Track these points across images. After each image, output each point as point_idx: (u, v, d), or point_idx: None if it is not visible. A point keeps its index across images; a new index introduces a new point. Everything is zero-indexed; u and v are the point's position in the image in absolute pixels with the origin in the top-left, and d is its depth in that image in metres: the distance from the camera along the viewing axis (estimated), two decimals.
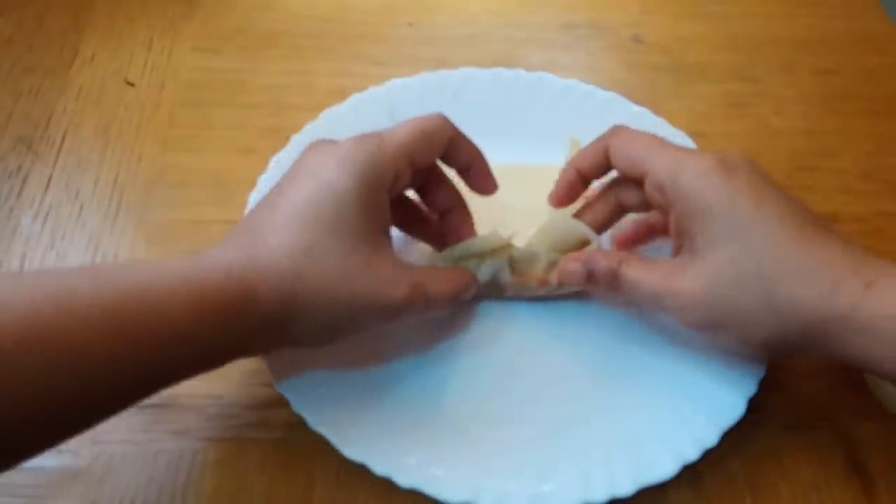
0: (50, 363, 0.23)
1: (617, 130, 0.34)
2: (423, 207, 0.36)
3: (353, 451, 0.31)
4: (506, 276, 0.35)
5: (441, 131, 0.32)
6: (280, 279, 0.28)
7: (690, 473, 0.32)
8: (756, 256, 0.29)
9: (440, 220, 0.36)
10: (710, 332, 0.31)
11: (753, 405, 0.33)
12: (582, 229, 0.35)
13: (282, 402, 0.32)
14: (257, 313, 0.28)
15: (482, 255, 0.35)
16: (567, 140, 0.39)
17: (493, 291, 0.36)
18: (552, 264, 0.35)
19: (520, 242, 0.36)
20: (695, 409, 0.33)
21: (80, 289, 0.24)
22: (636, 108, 0.44)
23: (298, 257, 0.28)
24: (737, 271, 0.29)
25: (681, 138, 0.42)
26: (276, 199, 0.30)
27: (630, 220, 0.36)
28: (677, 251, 0.32)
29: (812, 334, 0.29)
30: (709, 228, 0.30)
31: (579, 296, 0.36)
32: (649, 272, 0.31)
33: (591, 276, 0.33)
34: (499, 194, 0.36)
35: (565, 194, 0.35)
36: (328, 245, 0.28)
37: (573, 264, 0.33)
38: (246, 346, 0.29)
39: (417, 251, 0.38)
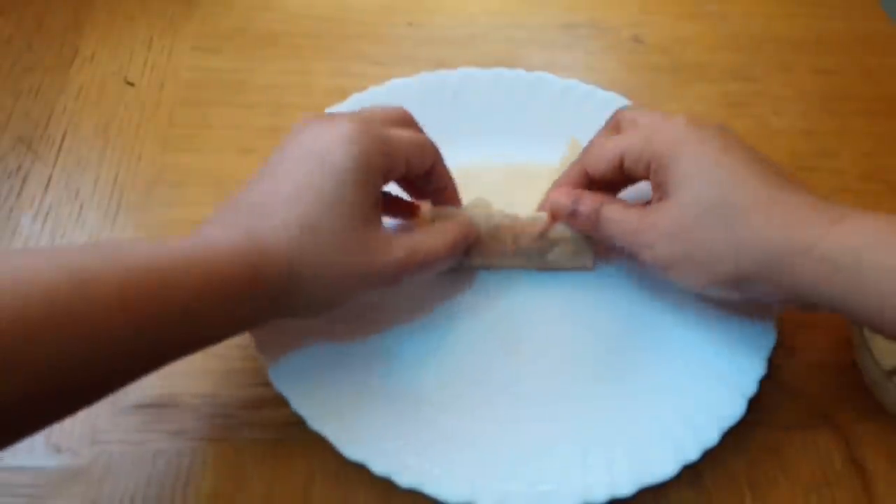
0: (70, 340, 0.24)
1: (586, 150, 0.36)
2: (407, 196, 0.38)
3: (352, 450, 0.31)
4: (502, 220, 0.36)
5: (433, 149, 0.34)
6: (283, 257, 0.29)
7: (690, 473, 0.32)
8: (721, 191, 0.30)
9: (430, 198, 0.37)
10: (677, 268, 0.32)
11: (753, 405, 0.33)
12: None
13: (281, 402, 0.32)
14: (260, 291, 0.29)
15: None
16: (567, 139, 0.39)
17: (490, 247, 0.36)
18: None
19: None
20: (695, 408, 0.33)
21: (92, 267, 0.25)
22: None
23: (301, 236, 0.29)
24: (702, 206, 0.30)
25: None
26: (275, 175, 0.30)
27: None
28: (653, 198, 0.33)
29: (774, 267, 0.29)
30: (677, 171, 0.31)
31: (573, 265, 0.37)
32: (626, 213, 0.33)
33: (574, 213, 0.35)
34: (500, 193, 0.36)
35: (567, 186, 0.36)
36: (329, 222, 0.29)
37: (563, 198, 0.35)
38: (248, 320, 0.30)
39: None
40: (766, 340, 0.35)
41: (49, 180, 0.42)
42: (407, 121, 0.35)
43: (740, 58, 0.50)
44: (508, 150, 0.42)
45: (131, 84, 0.46)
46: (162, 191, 0.41)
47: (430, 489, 0.30)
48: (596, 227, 0.34)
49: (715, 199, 0.30)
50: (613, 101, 0.44)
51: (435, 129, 0.43)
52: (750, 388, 0.33)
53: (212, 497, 0.32)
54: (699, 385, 0.34)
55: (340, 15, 0.51)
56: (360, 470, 0.31)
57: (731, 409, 0.33)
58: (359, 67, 0.48)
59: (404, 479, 0.30)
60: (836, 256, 0.28)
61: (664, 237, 0.31)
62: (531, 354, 0.35)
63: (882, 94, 0.49)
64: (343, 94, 0.43)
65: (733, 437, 0.32)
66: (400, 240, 0.32)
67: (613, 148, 0.34)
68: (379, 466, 0.31)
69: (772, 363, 0.34)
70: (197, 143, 0.43)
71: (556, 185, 0.37)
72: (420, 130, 0.35)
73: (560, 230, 0.36)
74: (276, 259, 0.29)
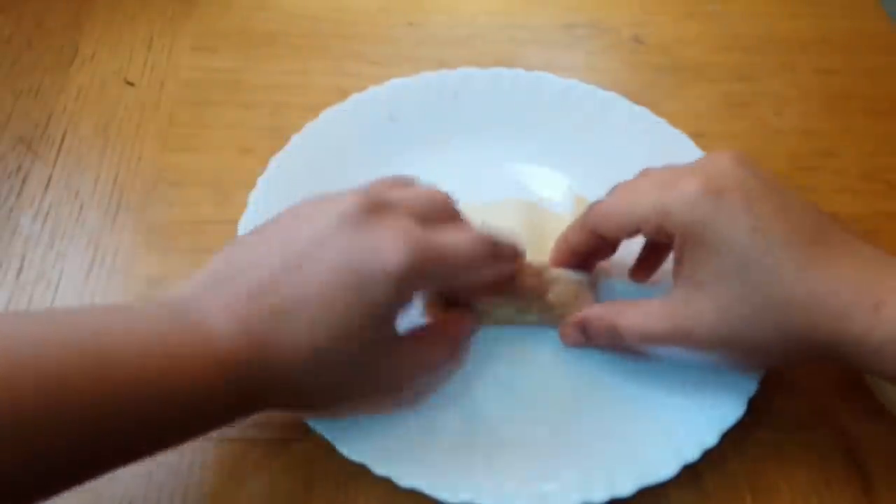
0: (37, 447, 0.23)
1: (591, 209, 0.33)
2: None
3: (352, 451, 0.31)
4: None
5: (486, 257, 0.30)
6: (287, 377, 0.27)
7: (690, 473, 0.32)
8: (764, 291, 0.28)
9: None
10: (723, 362, 0.31)
11: (754, 405, 0.33)
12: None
13: None
14: (258, 405, 0.28)
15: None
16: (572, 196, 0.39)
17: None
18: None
19: None
20: (695, 409, 0.33)
21: (70, 384, 0.23)
22: (636, 108, 0.44)
23: (314, 361, 0.27)
24: (747, 308, 0.28)
25: (681, 138, 0.42)
26: (301, 269, 0.27)
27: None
28: (676, 275, 0.31)
29: (828, 355, 0.29)
30: (708, 263, 0.29)
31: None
32: (649, 317, 0.31)
33: (589, 338, 0.33)
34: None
35: (559, 260, 0.35)
36: (349, 356, 0.27)
37: (569, 329, 0.34)
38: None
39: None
40: None
41: (49, 180, 0.41)
42: (452, 214, 0.31)
43: (741, 58, 0.50)
44: (509, 150, 0.42)
45: (131, 84, 0.46)
46: (162, 190, 0.41)
47: (430, 489, 0.30)
48: (619, 341, 0.32)
49: (758, 301, 0.28)
50: (613, 101, 0.44)
51: (434, 129, 0.43)
52: (750, 388, 0.33)
53: (212, 498, 0.32)
54: (699, 385, 0.34)
55: (340, 15, 0.51)
56: (361, 471, 0.31)
57: (731, 409, 0.33)
58: (358, 67, 0.48)
59: (405, 480, 0.30)
60: (888, 351, 0.27)
61: (708, 342, 0.29)
62: (531, 354, 0.35)
63: (884, 94, 0.49)
64: (342, 94, 0.43)
65: (733, 437, 0.32)
66: (407, 376, 0.30)
67: (628, 216, 0.31)
68: (379, 467, 0.31)
69: None
70: (197, 143, 0.43)
71: (559, 248, 0.35)
72: (463, 221, 0.31)
73: (558, 272, 0.35)
74: (278, 376, 0.27)
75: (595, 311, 0.33)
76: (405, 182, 0.32)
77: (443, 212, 0.30)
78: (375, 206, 0.28)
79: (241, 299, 0.27)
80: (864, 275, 0.28)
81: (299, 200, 0.30)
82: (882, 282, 0.28)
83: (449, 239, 0.28)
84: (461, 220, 0.31)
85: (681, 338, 0.30)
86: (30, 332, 0.24)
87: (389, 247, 0.27)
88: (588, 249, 0.34)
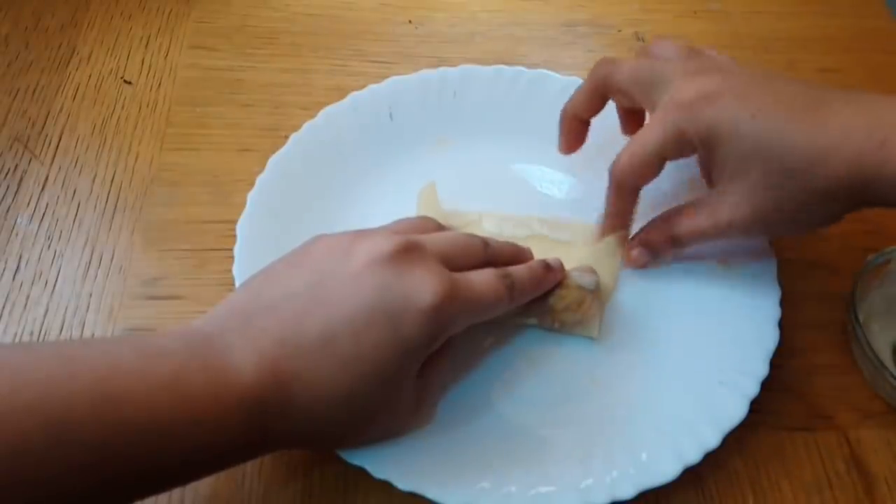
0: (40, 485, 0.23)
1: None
2: None
3: (352, 454, 0.31)
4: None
5: (506, 297, 0.32)
6: (315, 418, 0.27)
7: (692, 475, 0.32)
8: (782, 163, 0.31)
9: None
10: (769, 232, 0.36)
11: (755, 405, 0.33)
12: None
13: None
14: (280, 442, 0.28)
15: None
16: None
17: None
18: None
19: None
20: (696, 410, 0.33)
21: (75, 417, 0.23)
22: None
23: (339, 398, 0.27)
24: (773, 183, 0.31)
25: None
26: (333, 305, 0.27)
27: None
28: (708, 179, 0.35)
29: (854, 200, 0.31)
30: (727, 159, 0.32)
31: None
32: (695, 219, 0.34)
33: (654, 253, 0.36)
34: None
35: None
36: (375, 398, 0.28)
37: (636, 251, 0.37)
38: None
39: None
40: (768, 342, 0.35)
41: (46, 180, 0.41)
42: (476, 256, 0.32)
43: (744, 56, 0.50)
44: (509, 149, 0.42)
45: (129, 83, 0.46)
46: (159, 190, 0.41)
47: (429, 492, 0.30)
48: (681, 248, 0.36)
49: (780, 177, 0.31)
50: None
51: (435, 127, 0.43)
52: (752, 389, 0.33)
53: (210, 501, 0.31)
54: (701, 386, 0.33)
55: (340, 13, 0.51)
56: (360, 474, 0.31)
57: (732, 410, 0.32)
58: (358, 66, 0.47)
59: (404, 483, 0.30)
60: None
61: (748, 227, 0.33)
62: (531, 357, 0.35)
63: (887, 92, 0.48)
64: (342, 93, 0.43)
65: (735, 439, 0.32)
66: (429, 400, 0.32)
67: (652, 154, 0.34)
68: (378, 470, 0.30)
69: (774, 364, 0.34)
70: (195, 143, 0.43)
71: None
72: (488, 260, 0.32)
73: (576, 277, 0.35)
74: (302, 413, 0.26)
75: (652, 230, 0.36)
76: (427, 225, 0.34)
77: (467, 255, 0.31)
78: (408, 248, 0.29)
79: (268, 335, 0.26)
80: (867, 118, 0.30)
81: (322, 235, 0.30)
82: (882, 119, 0.30)
83: (475, 283, 0.30)
84: (482, 262, 0.32)
85: (724, 228, 0.33)
86: (38, 369, 0.23)
87: (423, 288, 0.27)
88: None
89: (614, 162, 0.35)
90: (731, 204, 0.33)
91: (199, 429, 0.25)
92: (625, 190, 0.35)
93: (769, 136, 0.31)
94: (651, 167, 0.34)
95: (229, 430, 0.25)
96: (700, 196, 0.35)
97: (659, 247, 0.36)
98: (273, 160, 0.40)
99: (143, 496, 0.25)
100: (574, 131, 0.39)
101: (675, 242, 0.35)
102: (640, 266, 0.37)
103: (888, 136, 0.29)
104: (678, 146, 0.33)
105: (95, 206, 0.40)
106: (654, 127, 0.33)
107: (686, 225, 0.35)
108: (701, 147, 0.32)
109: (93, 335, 0.36)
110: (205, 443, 0.25)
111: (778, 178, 0.31)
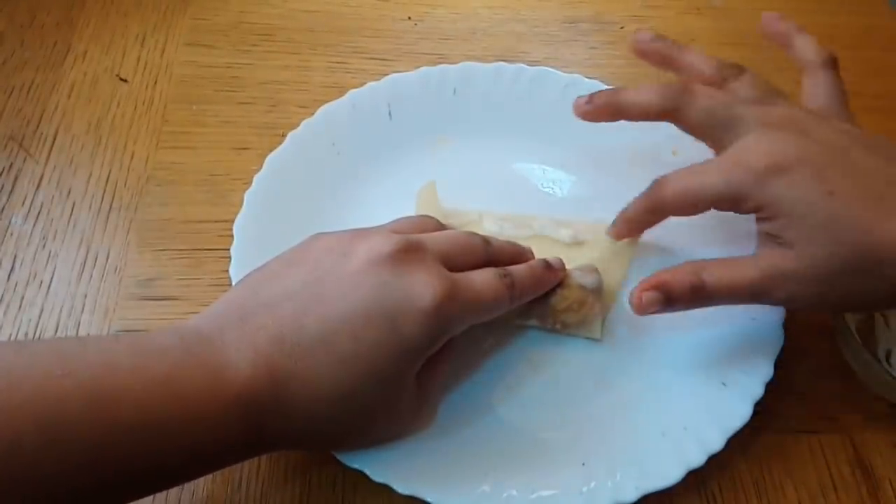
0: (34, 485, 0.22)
1: (656, 188, 0.33)
2: None
3: (350, 457, 0.30)
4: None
5: (508, 298, 0.31)
6: (313, 417, 0.27)
7: (696, 479, 0.31)
8: (852, 245, 0.29)
9: None
10: (809, 309, 0.34)
11: (759, 408, 0.33)
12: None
13: None
14: (278, 442, 0.28)
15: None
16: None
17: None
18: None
19: None
20: (700, 413, 0.32)
21: (71, 419, 0.23)
22: None
23: (337, 396, 0.27)
24: (840, 262, 0.29)
25: (684, 133, 0.42)
26: (332, 305, 0.27)
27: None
28: (761, 237, 0.32)
29: None
30: (790, 227, 0.30)
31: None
32: (736, 269, 0.31)
33: (669, 300, 0.31)
34: None
35: (625, 236, 0.37)
36: (373, 398, 0.27)
37: (648, 293, 0.31)
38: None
39: None
40: (773, 344, 0.34)
41: (41, 179, 0.41)
42: (476, 256, 0.31)
43: (746, 53, 0.49)
44: (509, 147, 0.42)
45: (124, 81, 0.45)
46: (155, 189, 0.41)
47: (429, 496, 0.30)
48: (704, 300, 0.31)
49: (850, 255, 0.29)
50: None
51: (435, 125, 0.42)
52: (756, 392, 0.33)
53: (206, 502, 0.31)
54: (704, 388, 0.33)
55: (338, 9, 0.50)
56: (358, 476, 0.30)
57: (737, 413, 0.32)
58: (357, 63, 0.47)
59: (403, 486, 0.30)
60: None
61: (807, 291, 0.30)
62: (532, 359, 0.35)
63: (890, 91, 0.48)
64: (341, 91, 0.42)
65: (740, 441, 0.32)
66: (423, 405, 0.31)
67: (701, 197, 0.32)
68: (377, 474, 0.30)
69: (778, 367, 0.34)
70: (191, 141, 0.43)
71: (621, 226, 0.36)
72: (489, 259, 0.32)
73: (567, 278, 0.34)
74: (300, 412, 0.26)
75: (676, 273, 0.32)
76: (427, 224, 0.33)
77: (467, 255, 0.31)
78: (408, 248, 0.28)
79: (266, 333, 0.26)
80: None
81: (321, 233, 0.30)
82: None
83: (476, 283, 0.29)
84: (482, 261, 0.31)
85: (769, 286, 0.30)
86: (32, 367, 0.23)
87: (423, 288, 0.27)
88: (649, 225, 0.35)
89: (665, 179, 0.33)
90: (787, 267, 0.30)
91: (195, 427, 0.25)
92: (660, 212, 0.34)
93: (844, 218, 0.29)
94: (698, 209, 0.32)
95: (226, 429, 0.25)
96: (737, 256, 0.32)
97: (677, 292, 0.31)
98: (271, 159, 0.39)
99: (139, 495, 0.25)
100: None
101: (700, 291, 0.31)
102: (645, 313, 0.32)
103: None
104: (734, 205, 0.31)
105: (90, 206, 0.40)
106: (718, 176, 0.31)
107: (719, 272, 0.31)
108: (761, 211, 0.31)
109: (88, 335, 0.35)
110: (201, 441, 0.25)
111: (845, 260, 0.29)
